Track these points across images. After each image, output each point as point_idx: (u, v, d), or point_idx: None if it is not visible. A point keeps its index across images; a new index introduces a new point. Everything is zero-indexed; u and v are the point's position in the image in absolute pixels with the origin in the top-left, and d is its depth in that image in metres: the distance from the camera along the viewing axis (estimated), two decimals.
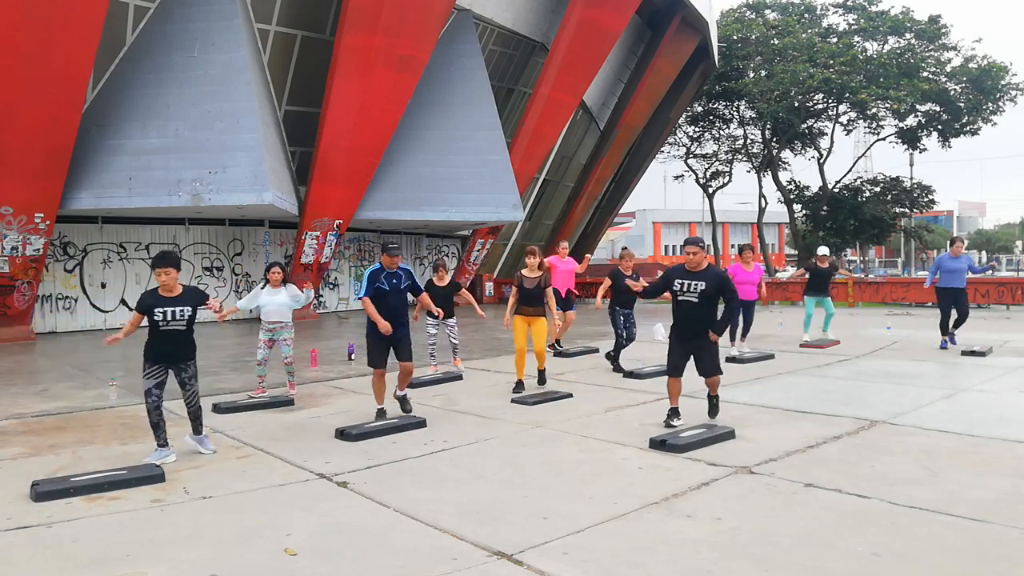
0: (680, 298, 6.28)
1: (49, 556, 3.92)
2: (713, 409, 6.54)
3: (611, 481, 4.96)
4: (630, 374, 9.20)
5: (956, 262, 10.97)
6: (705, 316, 6.26)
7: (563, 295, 11.25)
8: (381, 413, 6.97)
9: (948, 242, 11.61)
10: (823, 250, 12.42)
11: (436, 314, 8.02)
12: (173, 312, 5.63)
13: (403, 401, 7.14)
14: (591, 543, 3.92)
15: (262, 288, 8.23)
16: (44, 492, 4.81)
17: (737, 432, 6.03)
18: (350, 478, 5.17)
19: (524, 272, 8.46)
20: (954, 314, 11.01)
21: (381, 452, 5.84)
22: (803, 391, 8.08)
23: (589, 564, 3.65)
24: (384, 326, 6.77)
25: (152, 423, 5.69)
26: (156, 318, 5.60)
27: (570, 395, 7.95)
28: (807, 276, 12.24)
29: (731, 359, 10.19)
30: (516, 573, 3.60)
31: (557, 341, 11.46)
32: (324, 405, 7.93)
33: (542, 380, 8.59)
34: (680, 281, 6.31)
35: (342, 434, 6.33)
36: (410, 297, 7.15)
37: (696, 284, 6.22)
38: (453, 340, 9.97)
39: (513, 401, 7.75)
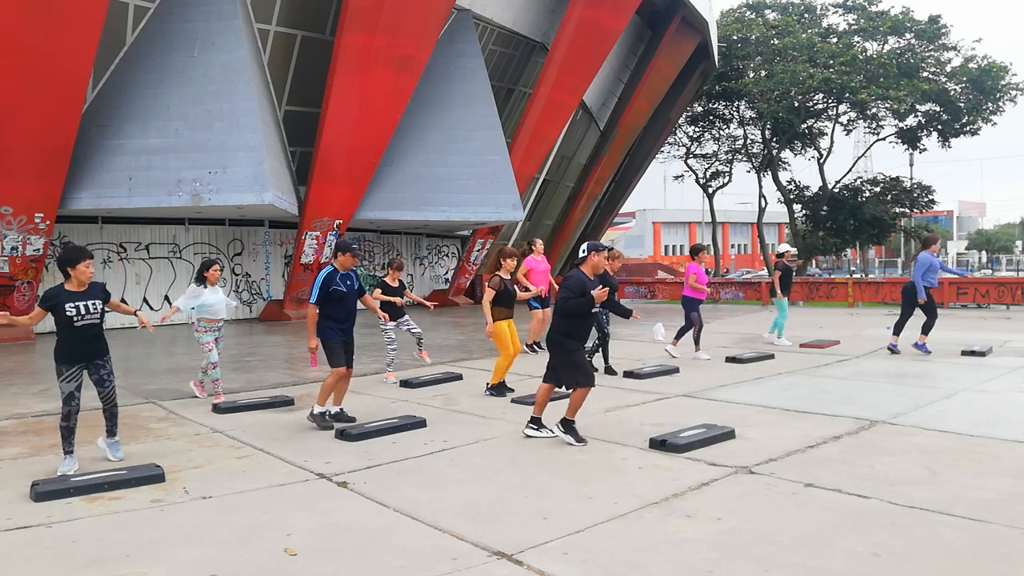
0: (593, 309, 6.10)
1: (49, 556, 3.92)
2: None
3: (611, 481, 4.96)
4: (630, 374, 9.20)
5: (937, 260, 10.74)
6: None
7: (544, 294, 11.14)
8: (330, 417, 6.72)
9: (925, 241, 11.08)
10: (789, 248, 12.44)
11: (381, 318, 7.90)
12: (86, 306, 5.45)
13: (340, 416, 6.82)
14: (591, 543, 3.92)
15: (202, 287, 7.90)
16: (44, 492, 4.80)
17: (737, 432, 6.03)
18: (350, 478, 5.17)
19: (501, 274, 8.30)
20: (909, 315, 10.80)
21: (381, 452, 5.84)
22: (803, 391, 8.08)
23: (589, 564, 3.65)
24: (312, 344, 6.73)
25: (70, 429, 5.47)
26: (68, 313, 5.38)
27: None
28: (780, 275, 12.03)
29: (731, 359, 10.20)
30: (516, 573, 3.60)
31: (536, 343, 11.32)
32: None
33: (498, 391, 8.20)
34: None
35: (342, 434, 6.32)
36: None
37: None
38: (415, 331, 9.63)
39: (513, 401, 7.76)
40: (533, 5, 22.05)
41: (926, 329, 10.66)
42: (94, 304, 5.48)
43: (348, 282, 6.79)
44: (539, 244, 11.84)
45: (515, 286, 8.57)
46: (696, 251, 11.05)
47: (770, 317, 15.88)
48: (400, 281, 9.53)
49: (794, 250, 12.40)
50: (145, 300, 18.41)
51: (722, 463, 5.29)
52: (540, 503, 4.55)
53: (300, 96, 18.19)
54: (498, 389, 8.17)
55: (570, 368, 6.07)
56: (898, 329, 10.86)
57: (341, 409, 6.92)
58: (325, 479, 5.20)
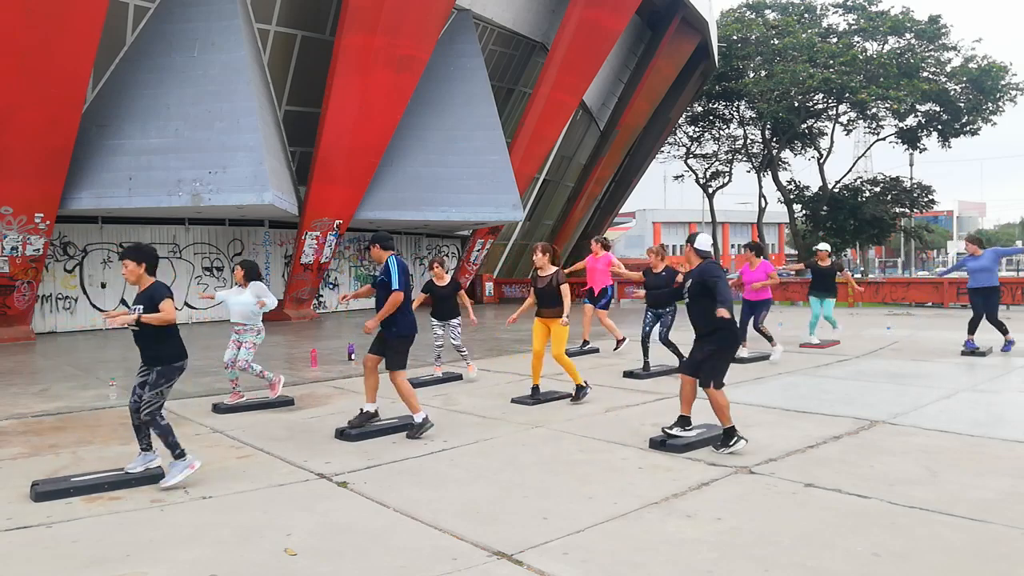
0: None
1: (49, 556, 3.92)
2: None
3: (611, 481, 4.96)
4: (630, 374, 9.19)
5: (978, 261, 10.56)
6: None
7: (596, 292, 11.35)
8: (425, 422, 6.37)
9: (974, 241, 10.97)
10: (823, 246, 12.24)
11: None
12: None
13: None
14: (591, 543, 3.91)
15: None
16: (44, 492, 4.81)
17: (737, 432, 6.01)
18: (350, 478, 5.17)
19: (537, 272, 7.92)
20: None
21: (381, 452, 5.84)
22: (803, 391, 8.08)
23: (589, 564, 3.65)
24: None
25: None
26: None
27: (570, 395, 7.93)
28: (809, 275, 11.95)
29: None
30: (516, 573, 3.60)
31: (585, 341, 11.51)
32: (324, 405, 7.93)
33: (577, 396, 7.66)
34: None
35: (342, 434, 6.32)
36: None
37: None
38: (453, 341, 9.33)
39: (513, 401, 7.74)
40: (533, 5, 22.06)
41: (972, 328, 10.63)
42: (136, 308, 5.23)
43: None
44: (595, 242, 12.00)
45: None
46: (761, 249, 10.73)
47: (771, 317, 15.86)
48: (453, 280, 9.41)
49: (824, 247, 12.24)
50: None
51: (722, 463, 5.28)
52: (540, 503, 4.55)
53: (300, 96, 18.19)
54: (532, 391, 7.83)
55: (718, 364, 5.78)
56: (1002, 329, 10.59)
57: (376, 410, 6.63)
58: (325, 479, 5.19)
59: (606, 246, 11.74)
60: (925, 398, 7.45)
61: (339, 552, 3.88)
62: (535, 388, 7.87)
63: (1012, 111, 33.78)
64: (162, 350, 5.17)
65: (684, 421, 5.82)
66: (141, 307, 5.04)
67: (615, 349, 11.06)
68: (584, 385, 7.72)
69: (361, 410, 6.54)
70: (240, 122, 15.53)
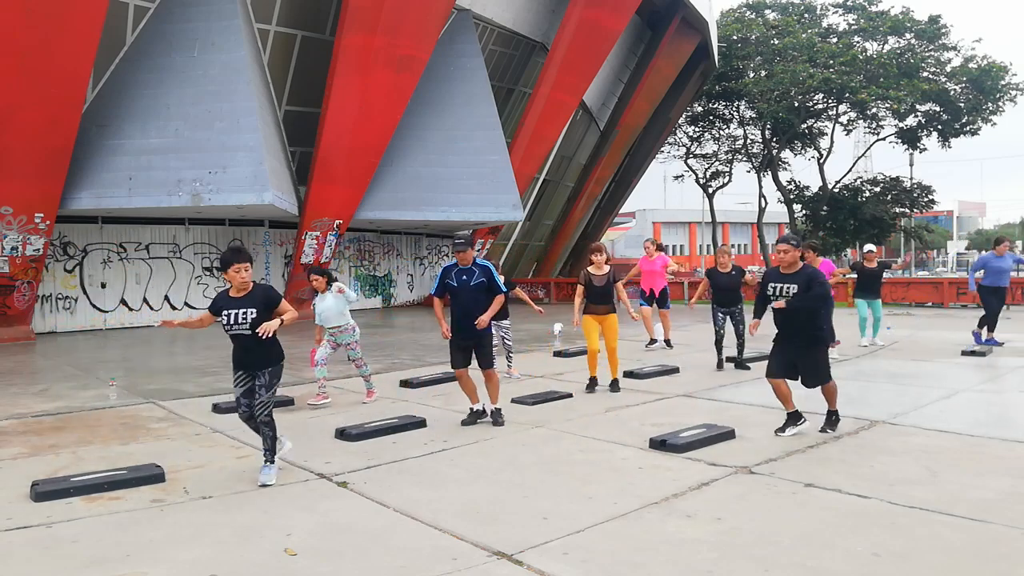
0: (773, 304, 5.98)
1: (49, 556, 3.92)
2: (831, 423, 6.14)
3: (611, 481, 4.96)
4: (630, 374, 9.17)
5: (1002, 261, 10.78)
6: (805, 321, 5.93)
7: (657, 294, 11.69)
8: (477, 413, 6.80)
9: (995, 241, 11.18)
10: (870, 248, 12.08)
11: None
12: (237, 314, 5.09)
13: (496, 415, 6.74)
14: (591, 543, 3.92)
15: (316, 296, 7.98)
16: (44, 492, 4.81)
17: (737, 432, 6.03)
18: (350, 478, 5.18)
19: (591, 270, 8.20)
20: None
21: (381, 452, 5.84)
22: (803, 391, 8.03)
23: (589, 564, 3.65)
24: (443, 330, 6.68)
25: (257, 430, 5.29)
26: (221, 320, 5.12)
27: (570, 395, 7.94)
28: (854, 277, 11.80)
29: (731, 359, 10.16)
30: (516, 573, 3.60)
31: (667, 340, 11.59)
32: (324, 405, 7.93)
33: (615, 387, 8.21)
34: (773, 285, 6.05)
35: (342, 434, 6.33)
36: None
37: (788, 287, 5.95)
38: (507, 343, 9.36)
39: (513, 401, 7.74)
40: (533, 5, 22.05)
41: (981, 323, 10.79)
42: (245, 312, 5.08)
43: (463, 277, 6.64)
44: (650, 244, 12.12)
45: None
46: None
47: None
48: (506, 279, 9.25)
49: (871, 248, 12.10)
50: (145, 300, 18.41)
51: (722, 463, 5.28)
52: (540, 503, 4.55)
53: (300, 96, 18.19)
54: (590, 383, 8.29)
55: (825, 365, 6.13)
56: (987, 326, 10.74)
57: (482, 407, 6.87)
58: (325, 479, 5.20)
59: (661, 247, 12.07)
60: (925, 398, 7.45)
61: (339, 552, 3.88)
62: (593, 380, 8.28)
63: (1012, 111, 33.74)
64: (273, 350, 5.28)
65: (795, 416, 6.12)
66: (254, 310, 5.10)
67: (648, 347, 11.41)
68: (616, 379, 8.26)
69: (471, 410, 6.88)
70: (240, 122, 15.54)
